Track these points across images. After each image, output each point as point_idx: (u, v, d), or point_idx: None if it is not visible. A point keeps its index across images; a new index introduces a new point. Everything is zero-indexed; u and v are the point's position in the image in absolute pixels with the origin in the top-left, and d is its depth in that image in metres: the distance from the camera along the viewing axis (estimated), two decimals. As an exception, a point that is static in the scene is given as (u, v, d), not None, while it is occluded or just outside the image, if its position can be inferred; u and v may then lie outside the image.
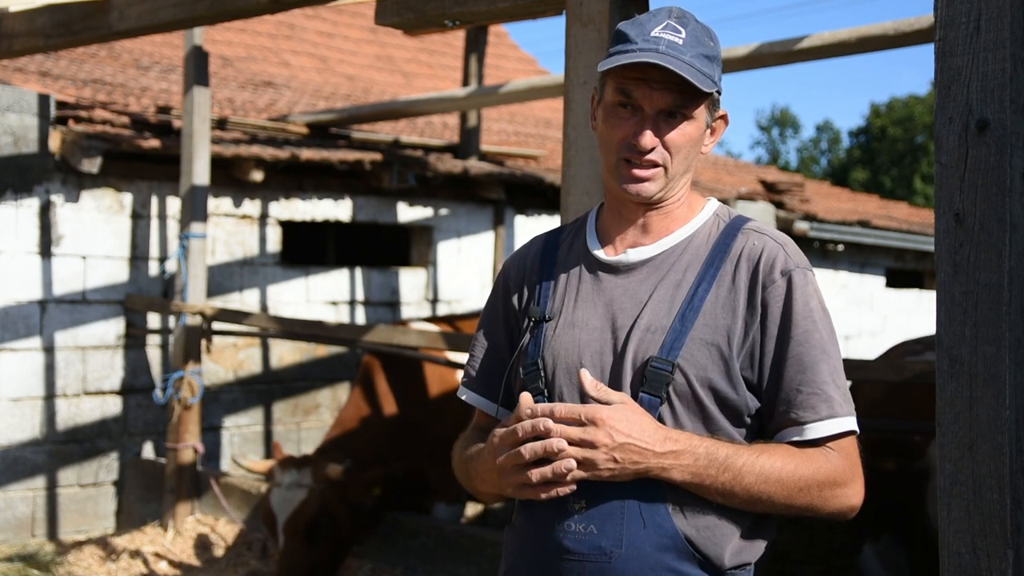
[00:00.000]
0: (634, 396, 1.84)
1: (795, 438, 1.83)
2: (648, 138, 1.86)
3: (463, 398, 2.11)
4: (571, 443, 1.76)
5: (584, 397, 1.85)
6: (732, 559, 1.85)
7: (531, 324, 1.97)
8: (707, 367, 1.83)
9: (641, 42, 1.86)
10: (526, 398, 1.85)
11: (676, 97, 1.86)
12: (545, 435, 1.76)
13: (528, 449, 1.77)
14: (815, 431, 1.82)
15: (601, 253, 1.98)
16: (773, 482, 1.79)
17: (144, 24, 4.68)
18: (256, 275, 7.51)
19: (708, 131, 1.96)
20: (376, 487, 5.18)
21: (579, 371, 1.85)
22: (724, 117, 1.99)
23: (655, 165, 1.89)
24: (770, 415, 1.87)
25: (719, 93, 1.93)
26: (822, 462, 1.82)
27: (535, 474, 1.78)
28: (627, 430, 1.76)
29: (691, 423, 1.84)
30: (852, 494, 1.85)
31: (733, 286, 1.88)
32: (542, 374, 1.92)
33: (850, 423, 1.84)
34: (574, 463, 1.76)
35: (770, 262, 1.88)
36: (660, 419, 1.83)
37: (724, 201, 9.11)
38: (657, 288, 1.90)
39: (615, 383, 1.86)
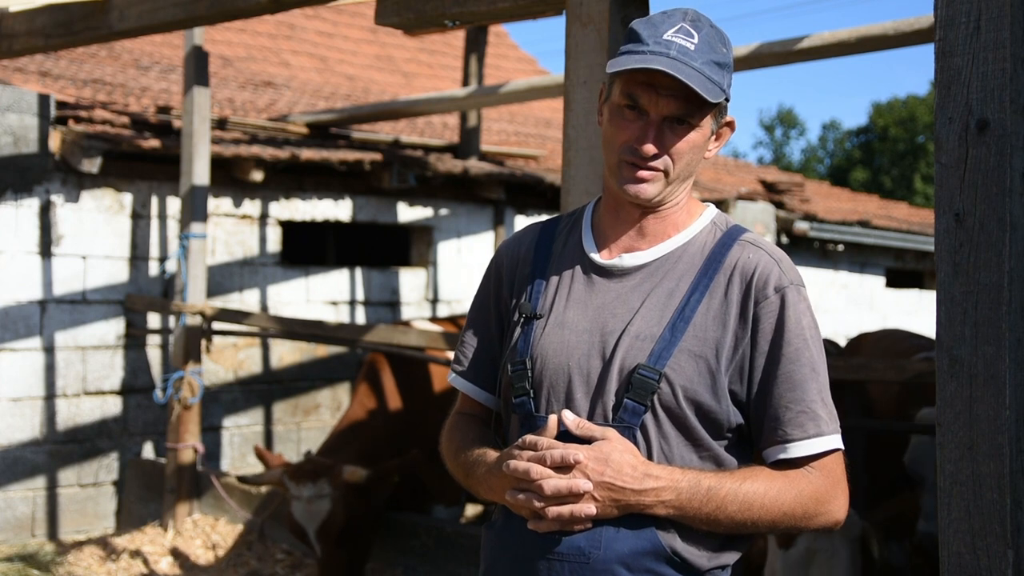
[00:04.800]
0: (619, 402, 1.85)
1: (781, 456, 1.85)
2: (650, 147, 1.85)
3: (455, 385, 2.11)
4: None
5: (569, 398, 1.88)
6: (710, 561, 1.87)
7: (521, 320, 1.97)
8: (693, 379, 1.84)
9: (652, 44, 1.84)
10: (547, 435, 1.85)
11: (683, 105, 1.84)
12: (573, 466, 1.79)
13: (551, 485, 1.79)
14: (801, 449, 1.84)
15: (596, 255, 1.97)
16: (756, 508, 1.81)
17: (144, 24, 4.68)
18: (256, 275, 7.51)
19: (713, 137, 1.94)
20: (395, 475, 5.19)
21: (560, 412, 1.86)
22: (731, 123, 1.97)
23: (656, 169, 1.88)
24: (757, 431, 1.88)
25: (727, 99, 1.91)
26: (804, 484, 1.84)
27: (552, 512, 1.80)
28: (602, 468, 1.78)
29: (672, 432, 1.85)
30: (835, 510, 1.87)
31: (725, 299, 1.88)
32: (529, 373, 1.92)
33: (835, 441, 1.86)
34: (593, 509, 1.79)
35: (764, 277, 1.87)
36: (643, 426, 1.84)
37: (723, 201, 9.11)
38: (650, 296, 1.90)
39: (601, 388, 1.86)
